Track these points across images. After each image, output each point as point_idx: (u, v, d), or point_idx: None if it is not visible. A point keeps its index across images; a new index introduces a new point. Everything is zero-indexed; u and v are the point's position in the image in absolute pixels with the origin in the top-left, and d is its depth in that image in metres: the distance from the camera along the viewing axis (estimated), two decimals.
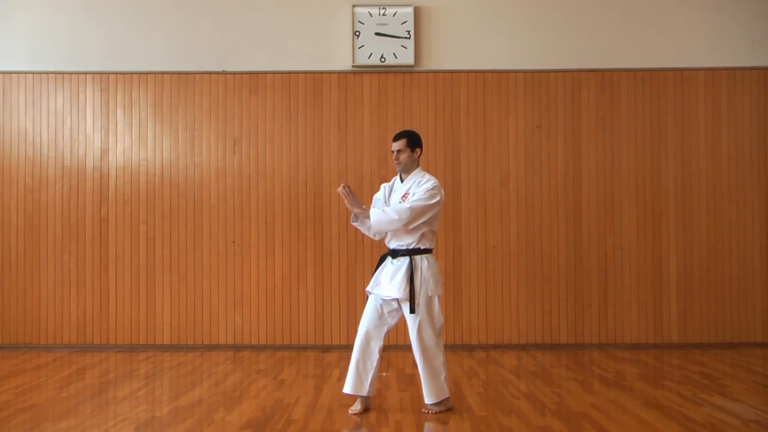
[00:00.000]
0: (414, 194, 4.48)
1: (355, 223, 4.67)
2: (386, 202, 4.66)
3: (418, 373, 4.54)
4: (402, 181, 4.66)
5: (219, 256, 6.98)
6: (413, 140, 4.64)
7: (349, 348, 6.77)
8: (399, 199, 4.55)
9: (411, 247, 4.49)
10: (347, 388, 4.54)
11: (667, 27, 7.07)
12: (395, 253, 4.53)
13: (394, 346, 6.62)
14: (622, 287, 6.95)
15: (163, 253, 6.99)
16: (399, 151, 4.62)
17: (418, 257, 4.49)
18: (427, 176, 4.61)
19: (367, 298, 4.67)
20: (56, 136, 7.07)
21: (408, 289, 4.43)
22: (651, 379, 5.53)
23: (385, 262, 4.60)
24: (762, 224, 6.98)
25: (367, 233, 4.66)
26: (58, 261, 6.99)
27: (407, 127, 6.95)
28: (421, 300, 4.44)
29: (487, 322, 6.95)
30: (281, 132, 7.04)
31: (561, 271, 6.94)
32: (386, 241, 4.63)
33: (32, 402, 4.87)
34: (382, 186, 4.80)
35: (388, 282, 4.49)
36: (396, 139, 4.66)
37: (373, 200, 4.77)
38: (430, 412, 4.48)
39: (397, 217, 4.40)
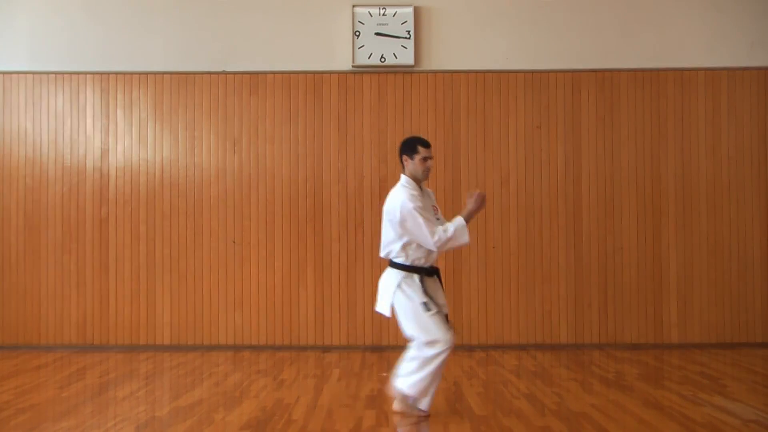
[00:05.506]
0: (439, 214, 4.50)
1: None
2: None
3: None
4: (421, 189, 4.52)
5: (219, 256, 6.98)
6: None
7: (350, 348, 6.85)
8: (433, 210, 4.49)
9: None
10: (426, 404, 4.40)
11: (667, 27, 7.07)
12: (435, 271, 4.50)
13: (395, 347, 6.62)
14: (622, 287, 6.95)
15: (163, 253, 6.99)
16: (432, 158, 4.50)
17: None
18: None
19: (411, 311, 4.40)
20: (56, 137, 7.07)
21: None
22: (651, 379, 5.54)
23: (427, 283, 4.41)
24: (762, 224, 6.98)
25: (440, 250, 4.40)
26: (58, 261, 6.99)
27: (407, 127, 6.97)
28: None
29: (487, 322, 6.95)
30: (281, 132, 7.04)
31: (561, 271, 6.94)
32: (430, 262, 4.44)
33: (32, 402, 4.87)
34: (415, 196, 4.37)
35: (442, 299, 4.48)
36: (429, 145, 4.47)
37: (425, 213, 4.32)
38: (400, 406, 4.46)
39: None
